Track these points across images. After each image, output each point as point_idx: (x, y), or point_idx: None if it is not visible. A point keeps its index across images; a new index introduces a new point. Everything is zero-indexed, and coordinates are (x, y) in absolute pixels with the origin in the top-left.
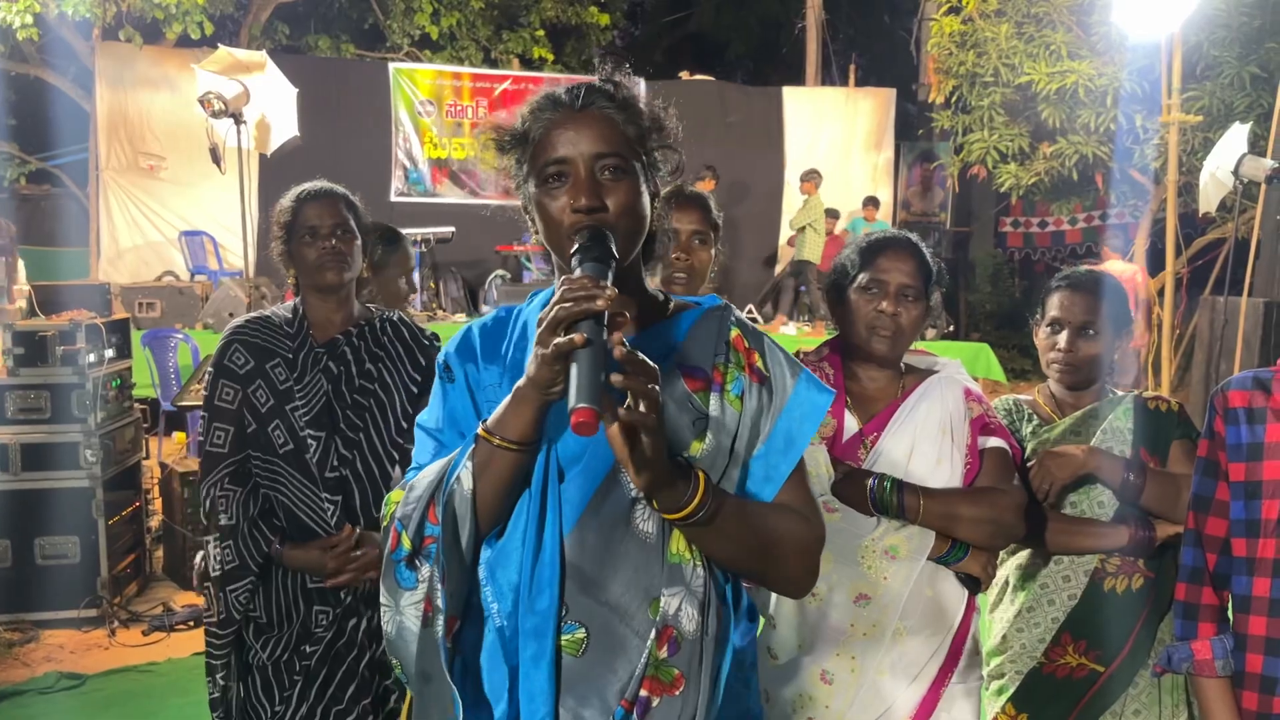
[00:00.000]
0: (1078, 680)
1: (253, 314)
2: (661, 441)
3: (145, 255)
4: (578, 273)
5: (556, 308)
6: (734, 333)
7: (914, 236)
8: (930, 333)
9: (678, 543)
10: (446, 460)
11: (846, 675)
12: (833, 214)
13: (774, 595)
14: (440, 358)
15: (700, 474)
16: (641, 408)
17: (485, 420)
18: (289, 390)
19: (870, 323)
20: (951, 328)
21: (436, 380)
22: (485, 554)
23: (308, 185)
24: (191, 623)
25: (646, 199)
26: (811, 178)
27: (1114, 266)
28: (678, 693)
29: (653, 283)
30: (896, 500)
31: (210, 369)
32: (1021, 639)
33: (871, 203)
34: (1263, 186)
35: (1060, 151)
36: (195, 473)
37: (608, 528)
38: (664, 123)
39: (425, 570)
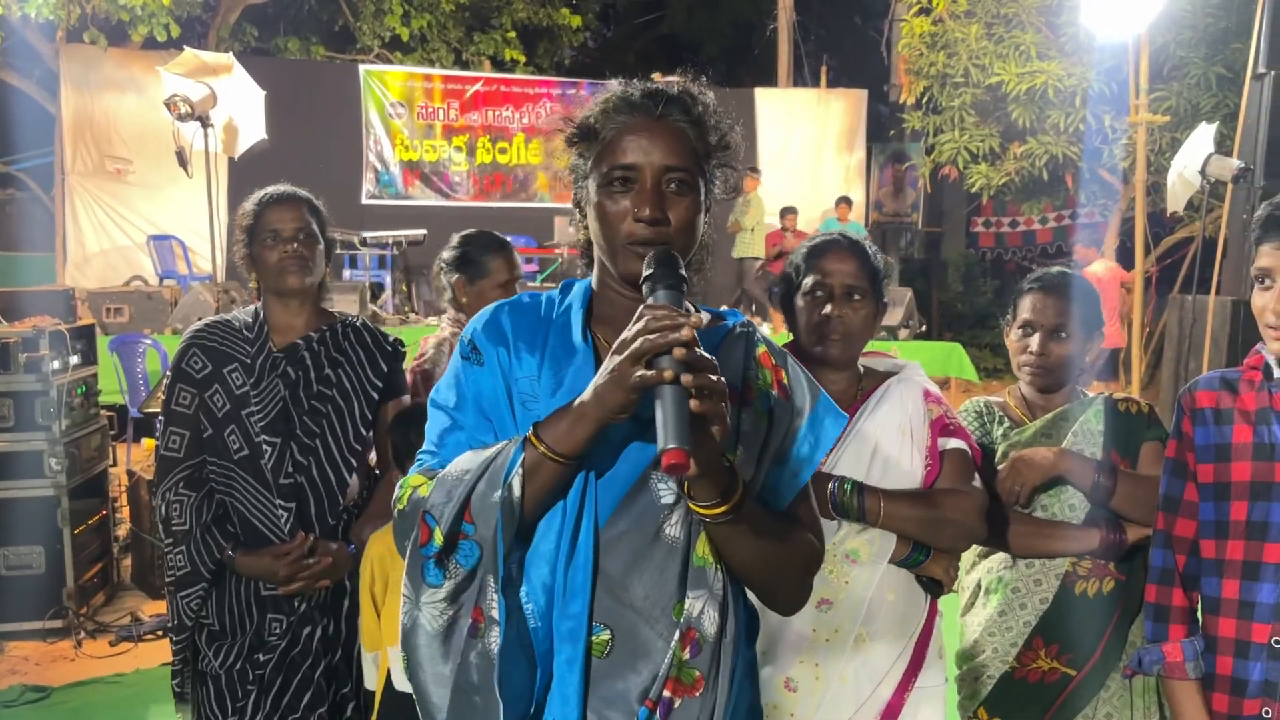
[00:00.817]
0: (1050, 684)
1: (213, 318)
2: (725, 432)
3: (113, 260)
4: (656, 299)
5: (641, 339)
6: (761, 349)
7: (856, 235)
8: (903, 333)
9: (702, 546)
10: (487, 459)
11: (810, 682)
12: (790, 210)
13: None
14: (465, 335)
15: (741, 474)
16: (709, 400)
17: (537, 425)
18: (245, 395)
19: (818, 326)
20: (924, 328)
21: (458, 359)
22: (518, 553)
23: (270, 189)
24: (160, 632)
25: (703, 215)
26: (752, 175)
27: (1095, 268)
28: (698, 694)
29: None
30: (857, 503)
31: (168, 373)
32: (994, 643)
33: (844, 202)
34: (1229, 186)
35: (1030, 151)
36: None
37: (636, 532)
38: (729, 141)
39: (454, 568)
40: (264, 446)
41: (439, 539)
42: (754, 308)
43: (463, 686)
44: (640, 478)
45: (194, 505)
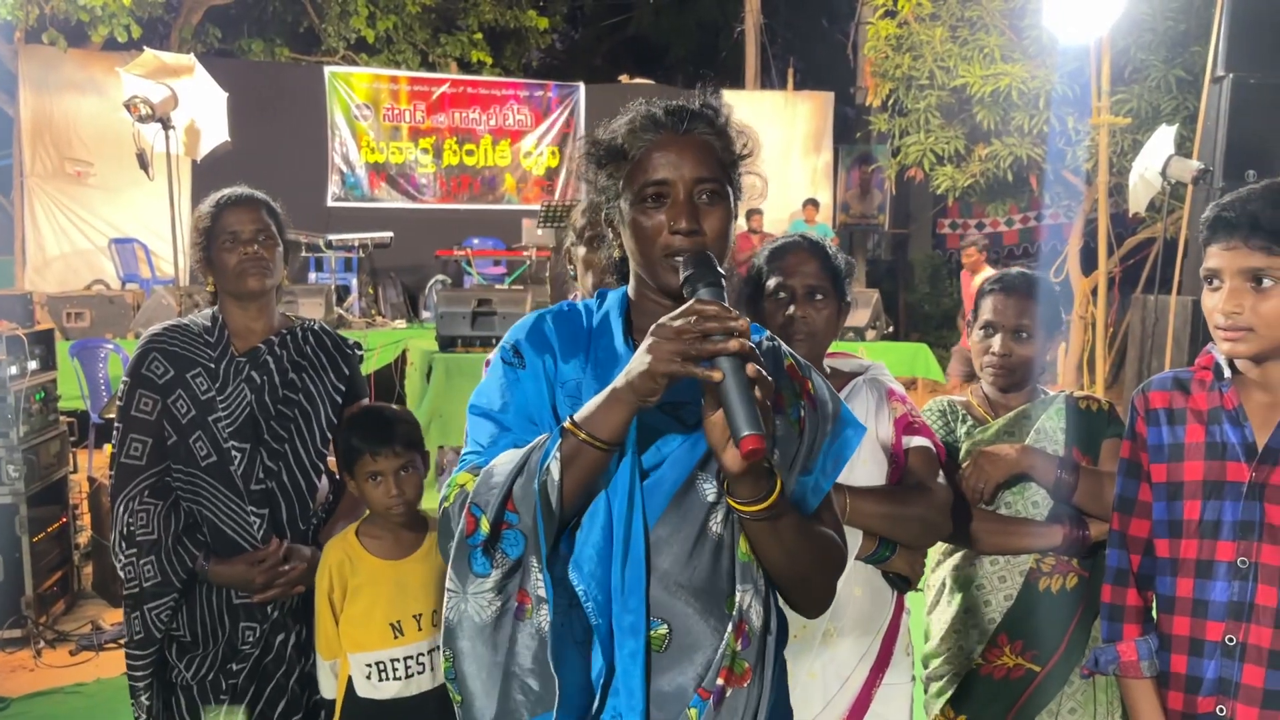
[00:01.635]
0: (1015, 680)
1: (170, 322)
2: (773, 427)
3: (74, 263)
4: (704, 295)
5: (689, 335)
6: (788, 361)
7: (817, 236)
8: (870, 334)
9: (745, 543)
10: (528, 450)
11: None
12: (756, 212)
13: None
14: (508, 341)
15: (779, 473)
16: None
17: (574, 415)
18: (211, 401)
19: (782, 327)
20: (891, 329)
21: (499, 364)
22: (565, 551)
23: (228, 190)
24: (121, 641)
25: (733, 222)
26: None
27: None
28: (746, 684)
29: None
30: None
31: (126, 378)
32: (959, 640)
33: (811, 204)
34: (1189, 187)
35: (995, 153)
36: None
37: (686, 528)
38: (753, 150)
39: (500, 558)
40: (233, 453)
41: (485, 527)
42: None
43: (514, 672)
44: (689, 477)
45: (162, 514)
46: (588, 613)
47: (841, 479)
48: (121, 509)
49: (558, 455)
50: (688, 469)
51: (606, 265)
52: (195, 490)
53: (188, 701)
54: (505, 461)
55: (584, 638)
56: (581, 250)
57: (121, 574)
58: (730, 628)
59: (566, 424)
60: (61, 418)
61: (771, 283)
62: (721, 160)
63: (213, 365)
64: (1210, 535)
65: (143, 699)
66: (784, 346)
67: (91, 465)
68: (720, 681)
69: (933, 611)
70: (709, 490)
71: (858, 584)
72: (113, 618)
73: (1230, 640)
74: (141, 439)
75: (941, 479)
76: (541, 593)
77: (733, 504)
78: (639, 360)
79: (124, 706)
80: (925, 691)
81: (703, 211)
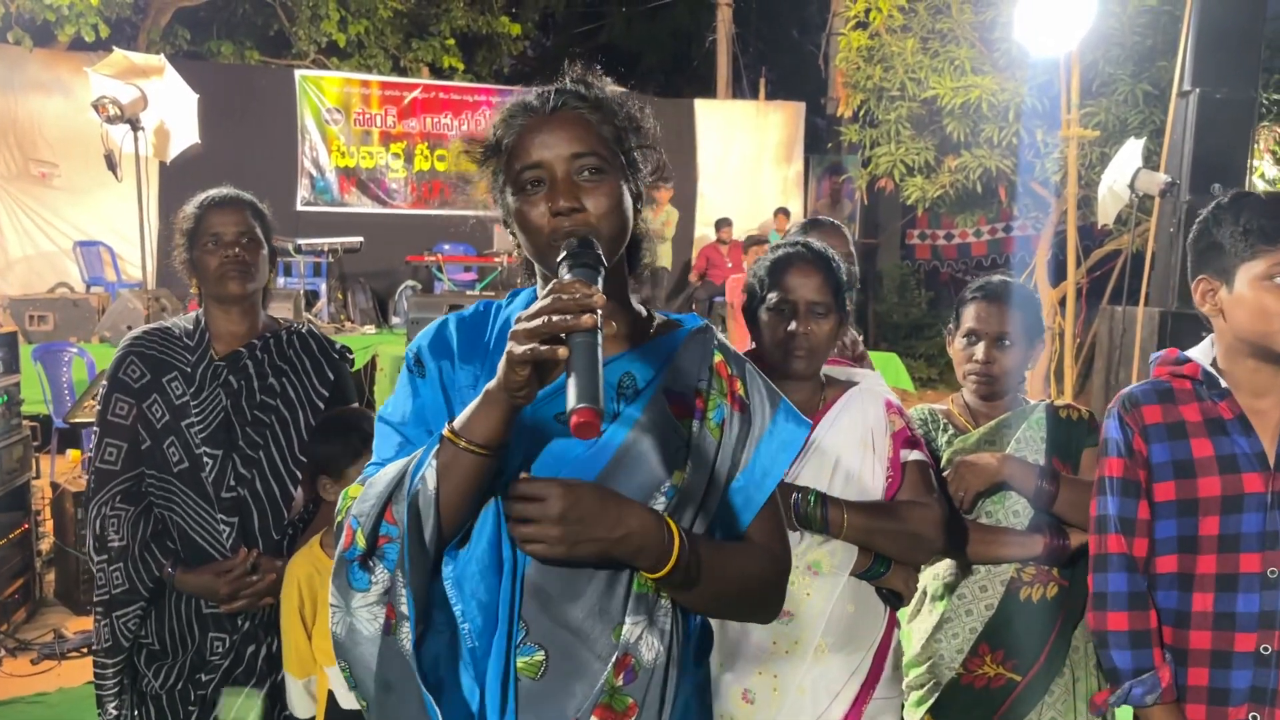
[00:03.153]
0: (995, 690)
1: (152, 325)
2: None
3: (37, 266)
4: (566, 278)
5: (542, 317)
6: (717, 357)
7: (820, 246)
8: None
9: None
10: (409, 459)
11: (768, 694)
12: (725, 222)
13: None
14: (411, 349)
15: (677, 535)
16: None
17: (451, 421)
18: (185, 405)
19: (783, 343)
20: (861, 338)
21: (404, 372)
22: (449, 568)
23: (212, 191)
24: (85, 649)
25: (629, 201)
26: (664, 184)
27: None
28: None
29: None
30: (821, 515)
31: (104, 382)
32: (940, 649)
33: (782, 213)
34: (1156, 200)
35: (965, 165)
36: None
37: None
38: (641, 122)
39: (380, 572)
40: (205, 459)
41: (361, 542)
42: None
43: (385, 685)
44: None
45: (131, 520)
46: (462, 636)
47: (839, 493)
48: (95, 514)
49: (433, 463)
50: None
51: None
52: (168, 496)
53: (156, 711)
54: (386, 472)
55: (467, 656)
56: None
57: (95, 580)
58: (612, 661)
59: (445, 430)
60: (24, 422)
61: (772, 296)
62: (602, 135)
63: (189, 369)
64: (1231, 549)
65: (110, 708)
66: (717, 340)
67: (54, 471)
68: (594, 718)
69: (913, 620)
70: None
71: (850, 600)
72: (76, 626)
73: (1265, 650)
74: (116, 444)
75: (937, 494)
76: (404, 609)
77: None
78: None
79: (87, 716)
80: (905, 700)
81: (584, 189)
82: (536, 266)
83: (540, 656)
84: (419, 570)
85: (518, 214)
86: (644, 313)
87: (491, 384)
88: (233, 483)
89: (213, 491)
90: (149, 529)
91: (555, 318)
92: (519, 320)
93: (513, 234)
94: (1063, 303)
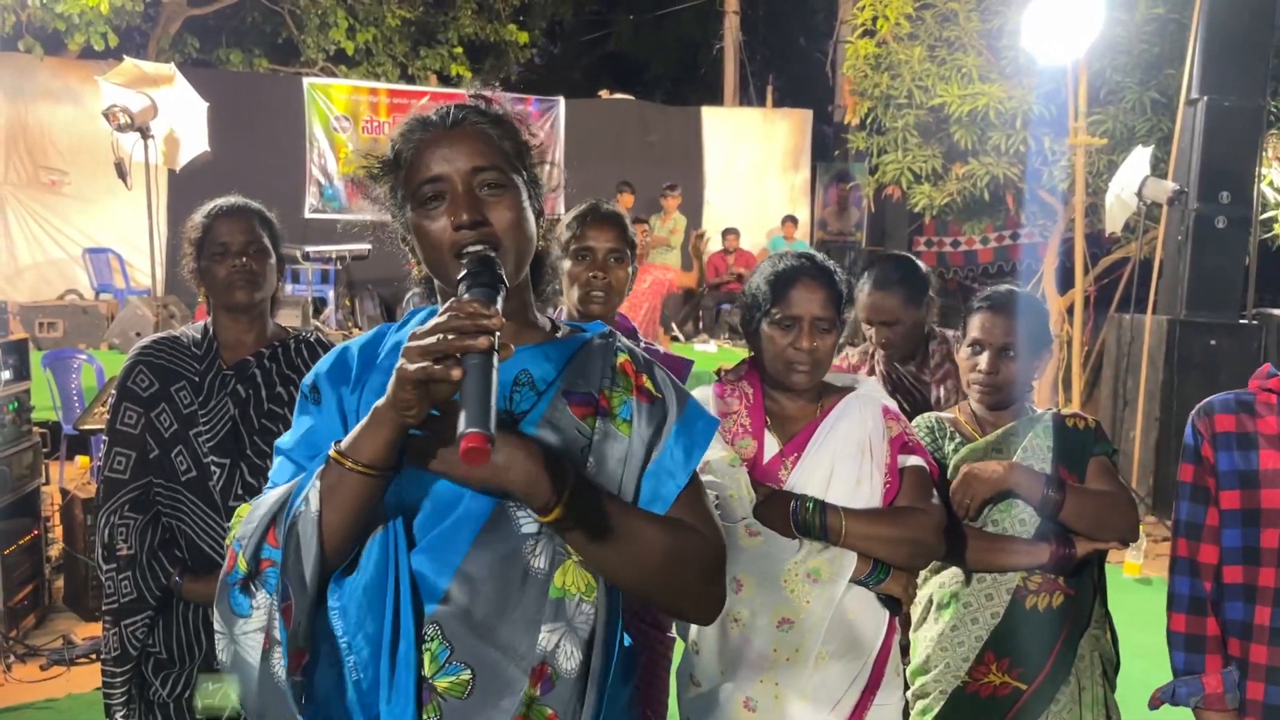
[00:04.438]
0: (1001, 698)
1: (161, 334)
2: (521, 441)
3: (47, 273)
4: (465, 297)
5: (436, 335)
6: (621, 357)
7: (822, 259)
8: (847, 349)
9: (564, 576)
10: (294, 482)
11: (770, 701)
12: (732, 231)
13: None
14: (309, 378)
15: (571, 470)
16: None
17: (337, 442)
18: (193, 414)
19: (787, 359)
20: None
21: (300, 400)
22: (334, 597)
23: (220, 200)
24: (94, 655)
25: (531, 216)
26: (672, 192)
27: None
28: None
29: (540, 308)
30: (819, 522)
31: (114, 391)
32: (946, 658)
33: (790, 221)
34: (1164, 208)
35: (972, 172)
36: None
37: (499, 566)
38: (537, 140)
39: (261, 597)
40: (212, 468)
41: (242, 566)
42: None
43: (259, 714)
44: (497, 507)
45: (139, 529)
46: (346, 669)
47: (837, 499)
48: (104, 523)
49: (316, 484)
50: (491, 502)
51: (614, 284)
52: (176, 505)
53: (164, 719)
54: (273, 494)
55: (357, 686)
56: (567, 263)
57: (104, 588)
58: (522, 670)
59: (331, 450)
60: (34, 429)
61: (776, 312)
62: (503, 149)
63: (198, 378)
64: None
65: (118, 716)
66: (621, 342)
67: (63, 477)
68: None
69: (919, 629)
70: (524, 520)
71: (851, 607)
72: (85, 632)
73: None
74: (125, 453)
75: (936, 499)
76: (276, 634)
77: (535, 514)
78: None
79: None
80: (911, 709)
81: (487, 204)
82: (436, 283)
83: (466, 676)
84: (297, 594)
85: (417, 229)
86: (547, 324)
87: (380, 402)
88: (240, 491)
89: (220, 500)
90: (157, 537)
91: (450, 336)
92: (413, 337)
93: (411, 250)
94: (1070, 310)
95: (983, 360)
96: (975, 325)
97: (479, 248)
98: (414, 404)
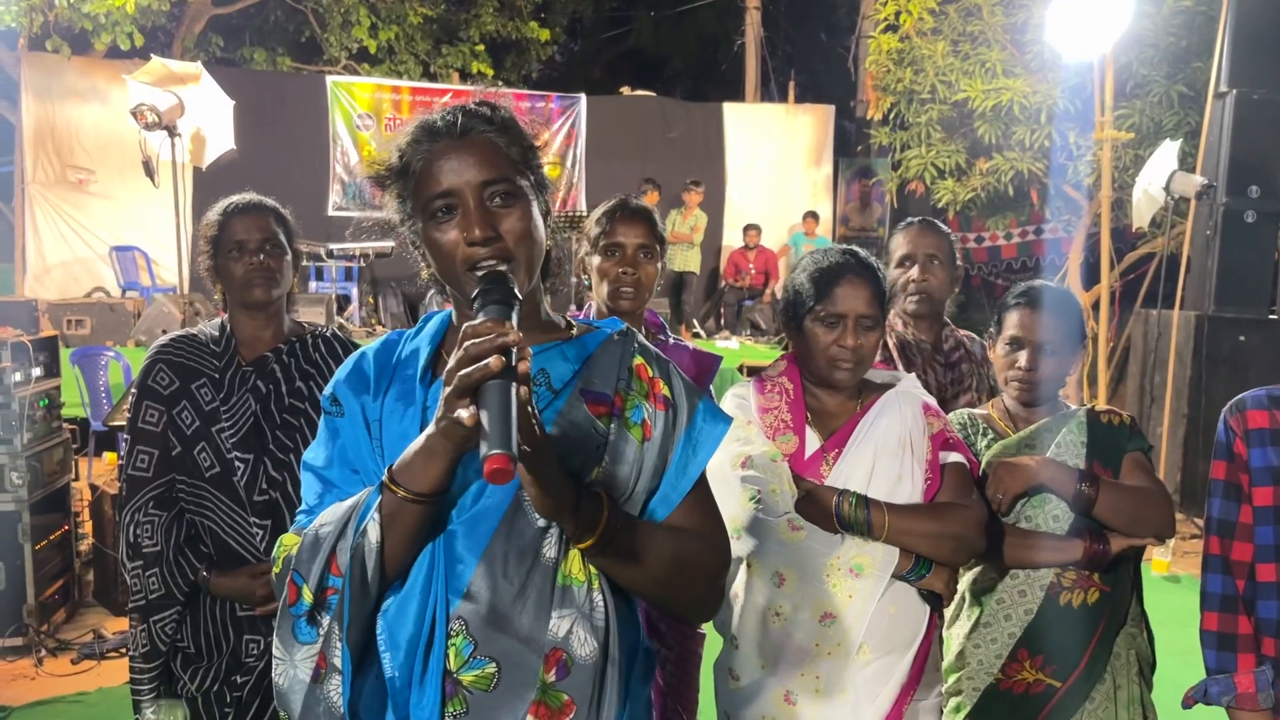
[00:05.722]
0: (1035, 695)
1: (179, 332)
2: (553, 465)
3: (74, 271)
4: (480, 319)
5: (460, 374)
6: (637, 360)
7: (865, 255)
8: None
9: (571, 564)
10: (349, 507)
11: (810, 696)
12: (753, 227)
13: (736, 614)
14: (329, 389)
15: (605, 501)
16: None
17: (392, 467)
18: (215, 411)
19: (831, 356)
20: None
21: (323, 415)
22: (385, 604)
23: (235, 198)
24: (124, 650)
25: (541, 221)
26: (695, 188)
27: None
28: (568, 719)
29: (549, 305)
30: (863, 517)
31: (134, 390)
32: (979, 655)
33: (811, 216)
34: (1192, 202)
35: (996, 168)
36: None
37: (516, 560)
38: (539, 141)
39: (325, 624)
40: (236, 463)
41: (308, 597)
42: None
43: None
44: (513, 503)
45: (164, 526)
46: (384, 668)
47: (878, 495)
48: (128, 520)
49: (376, 517)
50: (510, 493)
51: (643, 280)
52: (200, 501)
53: (192, 713)
54: (327, 523)
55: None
56: (596, 259)
57: (129, 585)
58: (541, 658)
59: (385, 479)
60: (64, 425)
61: (820, 308)
62: (511, 158)
63: (218, 375)
64: None
65: (147, 712)
66: (637, 341)
67: (92, 473)
68: (530, 717)
69: (953, 625)
70: (538, 515)
71: (893, 602)
72: (114, 626)
73: None
74: (147, 450)
75: (976, 495)
76: (336, 661)
77: (569, 539)
78: (440, 408)
79: (126, 716)
80: (944, 706)
81: (498, 215)
82: (448, 289)
83: (492, 669)
84: (357, 623)
85: (429, 241)
86: (561, 323)
87: (434, 435)
88: (264, 486)
89: (245, 495)
90: (182, 534)
91: (469, 369)
92: (446, 374)
93: (422, 255)
94: (1096, 306)
95: (1022, 357)
96: (1013, 322)
97: (491, 263)
98: (470, 437)
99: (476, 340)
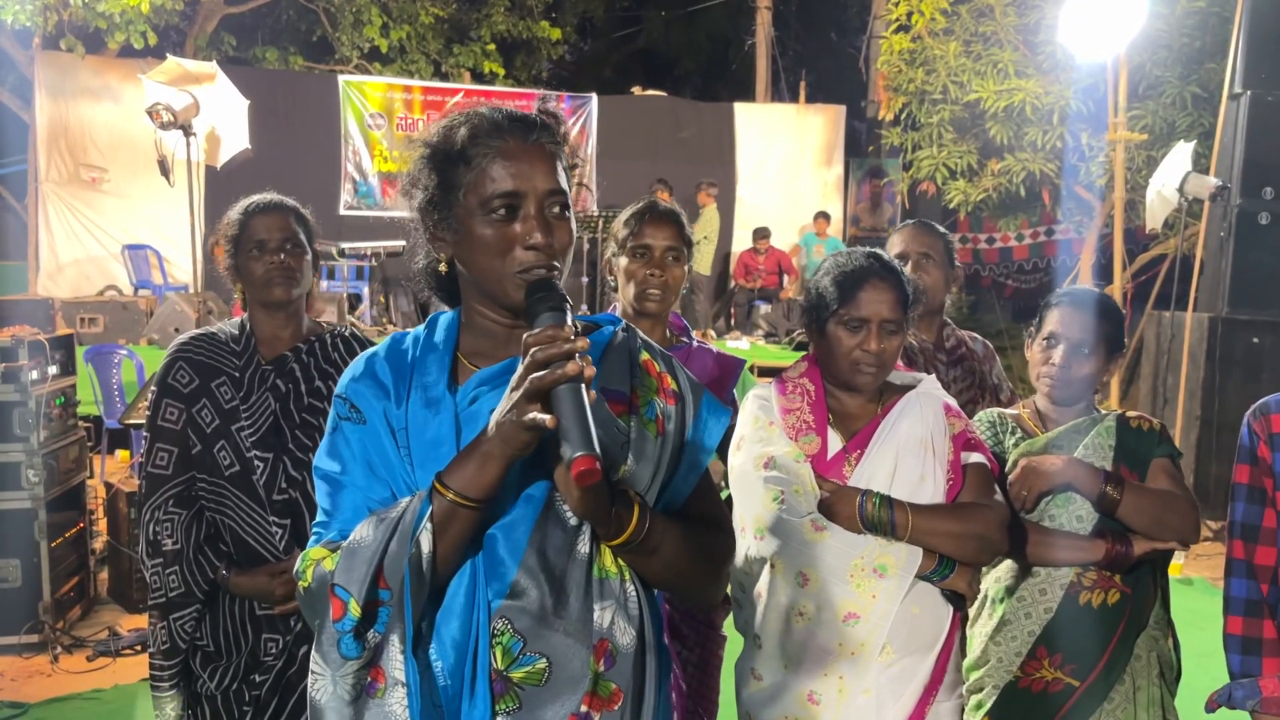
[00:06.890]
0: (1053, 694)
1: (199, 330)
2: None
3: (86, 269)
4: (540, 323)
5: (532, 377)
6: (644, 356)
7: (888, 258)
8: None
9: (604, 558)
10: (395, 518)
11: (834, 695)
12: (762, 232)
13: (760, 614)
14: (341, 392)
15: (637, 501)
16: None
17: (441, 474)
18: (235, 409)
19: (854, 360)
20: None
21: (335, 419)
22: (428, 613)
23: (256, 197)
24: (139, 647)
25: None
26: (709, 188)
27: None
28: (616, 707)
29: None
30: (887, 517)
31: (154, 387)
32: (999, 652)
33: (822, 217)
34: (1206, 204)
35: (1008, 168)
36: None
37: (554, 556)
38: (577, 156)
39: (371, 638)
40: (255, 462)
41: (355, 610)
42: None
43: None
44: (547, 500)
45: (184, 524)
46: (435, 673)
47: (901, 496)
48: (148, 518)
49: (429, 526)
50: (544, 492)
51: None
52: (219, 500)
53: (211, 712)
54: (367, 533)
55: (440, 700)
56: (624, 261)
57: (149, 583)
58: (589, 650)
59: (435, 484)
60: (79, 423)
61: (844, 311)
62: (566, 171)
63: (238, 374)
64: None
65: (167, 709)
66: (639, 338)
67: (105, 471)
68: (584, 709)
69: (975, 625)
70: (569, 512)
71: (916, 602)
72: (130, 623)
73: None
74: (167, 448)
75: (999, 495)
76: (399, 674)
77: (602, 539)
78: (503, 412)
79: (142, 713)
80: (964, 704)
81: (554, 225)
82: (470, 287)
83: (542, 665)
84: (408, 627)
85: (479, 235)
86: (576, 327)
87: (493, 439)
88: (284, 485)
89: (264, 494)
90: (201, 532)
91: (542, 373)
92: (516, 382)
93: (443, 242)
94: None
95: (1057, 354)
96: (1052, 319)
97: (541, 271)
98: (533, 443)
99: (545, 346)
